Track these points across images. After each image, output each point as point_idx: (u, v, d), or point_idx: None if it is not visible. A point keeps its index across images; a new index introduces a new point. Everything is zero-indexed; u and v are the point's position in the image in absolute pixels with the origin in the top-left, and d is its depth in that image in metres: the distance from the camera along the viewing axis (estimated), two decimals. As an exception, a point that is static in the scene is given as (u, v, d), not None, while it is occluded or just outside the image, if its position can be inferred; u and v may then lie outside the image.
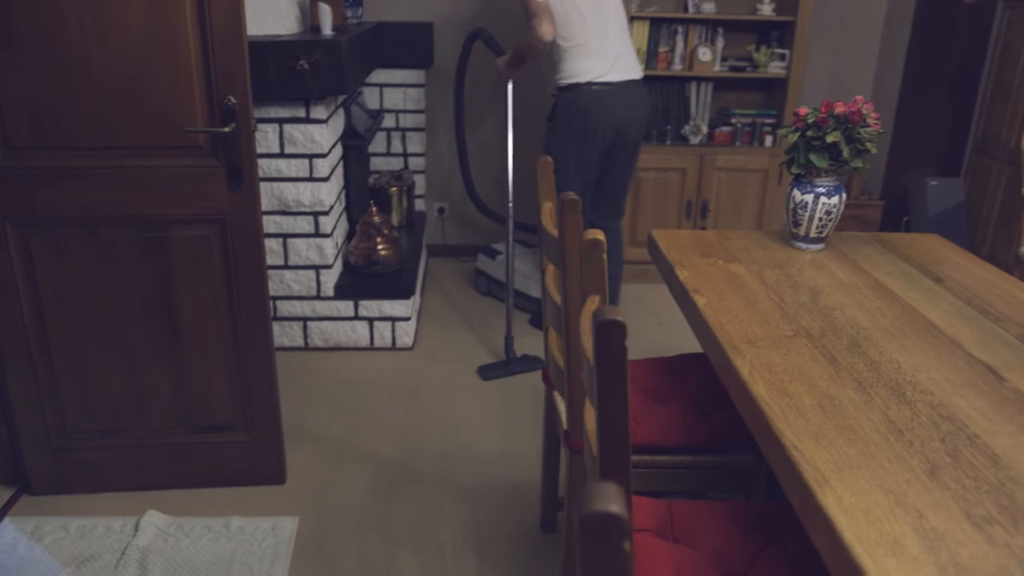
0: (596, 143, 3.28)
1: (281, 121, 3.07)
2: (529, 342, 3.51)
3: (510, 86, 3.42)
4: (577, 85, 3.22)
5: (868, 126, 2.04)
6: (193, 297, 2.27)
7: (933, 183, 4.28)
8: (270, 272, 3.27)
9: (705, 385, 2.01)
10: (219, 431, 2.44)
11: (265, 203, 3.14)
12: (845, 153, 2.03)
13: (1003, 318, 1.81)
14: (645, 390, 2.00)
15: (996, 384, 1.51)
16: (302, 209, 3.19)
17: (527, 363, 3.33)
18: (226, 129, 2.09)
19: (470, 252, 4.40)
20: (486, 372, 3.26)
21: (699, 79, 4.14)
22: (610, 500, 0.65)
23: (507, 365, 3.31)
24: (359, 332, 3.42)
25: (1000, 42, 4.22)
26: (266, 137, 3.07)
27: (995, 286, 2.01)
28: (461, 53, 3.90)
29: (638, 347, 3.46)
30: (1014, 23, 4.12)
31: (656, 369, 2.10)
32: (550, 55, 3.26)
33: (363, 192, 3.87)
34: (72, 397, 2.34)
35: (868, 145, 2.06)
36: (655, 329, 3.67)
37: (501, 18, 4.12)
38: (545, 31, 3.10)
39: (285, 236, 3.23)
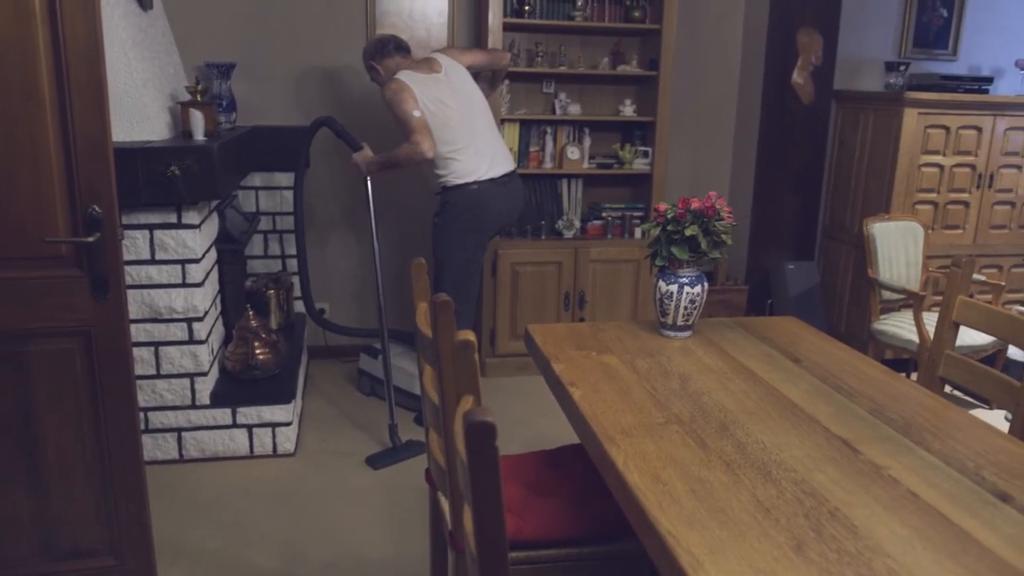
0: (485, 237, 3.40)
1: (152, 227, 3.00)
2: (415, 436, 3.48)
3: (369, 181, 3.49)
4: (464, 185, 3.34)
5: (722, 219, 2.18)
6: (55, 414, 2.15)
7: (790, 267, 4.58)
8: (141, 382, 3.13)
9: (587, 475, 2.04)
10: (84, 557, 2.27)
11: (135, 311, 3.04)
12: (703, 245, 2.16)
13: (856, 394, 1.94)
14: (528, 484, 2.01)
15: (852, 457, 1.60)
16: (175, 316, 3.10)
17: (413, 448, 3.35)
18: (90, 239, 2.03)
19: (352, 353, 4.35)
20: (375, 461, 3.24)
21: (570, 176, 4.33)
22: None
23: (394, 452, 3.32)
24: (238, 440, 3.29)
25: (837, 138, 4.63)
26: (135, 244, 2.99)
27: (848, 364, 2.16)
28: (303, 142, 3.71)
29: (523, 439, 3.48)
30: (847, 121, 4.54)
31: (539, 462, 2.12)
32: (441, 156, 3.36)
33: (240, 296, 3.79)
34: (-87, 532, 2.14)
35: (724, 237, 2.20)
36: (540, 420, 3.71)
37: (377, 124, 4.22)
38: (427, 148, 3.23)
39: (157, 344, 3.12)
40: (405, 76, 3.32)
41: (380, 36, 3.60)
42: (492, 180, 3.38)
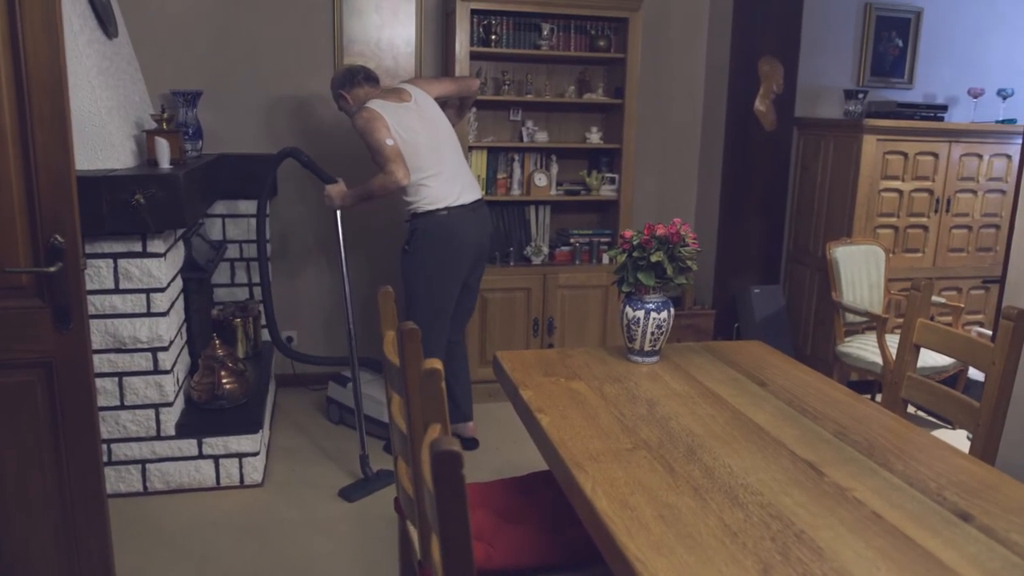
0: (460, 265, 3.41)
1: (116, 256, 2.97)
2: (386, 466, 3.45)
3: (339, 214, 3.48)
4: (434, 212, 3.34)
5: (687, 245, 2.21)
6: (13, 448, 2.10)
7: (756, 291, 4.64)
8: (104, 414, 3.08)
9: (557, 502, 2.04)
10: (42, 595, 2.22)
11: (98, 341, 2.99)
12: (669, 271, 2.19)
13: (821, 416, 1.97)
14: (498, 511, 2.00)
15: (817, 479, 1.62)
16: (139, 346, 3.06)
17: (385, 478, 3.32)
18: (52, 269, 2.00)
19: (320, 381, 4.32)
20: (348, 494, 3.20)
21: (537, 202, 4.36)
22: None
23: (367, 483, 3.28)
24: (204, 471, 3.25)
25: (799, 164, 4.72)
26: (99, 273, 2.96)
27: (812, 387, 2.19)
28: (268, 171, 3.65)
29: (493, 466, 3.47)
30: (808, 147, 4.63)
31: (509, 489, 2.12)
32: (415, 184, 3.36)
33: (206, 325, 3.75)
34: None
35: (689, 263, 2.23)
36: (510, 447, 3.70)
37: (345, 153, 4.23)
38: (403, 176, 3.23)
39: (121, 375, 3.07)
40: (376, 105, 3.32)
41: (349, 66, 3.61)
42: (462, 207, 3.39)
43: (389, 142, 3.24)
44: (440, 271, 3.39)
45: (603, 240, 4.43)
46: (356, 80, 3.47)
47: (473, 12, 3.98)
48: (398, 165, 3.22)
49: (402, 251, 3.45)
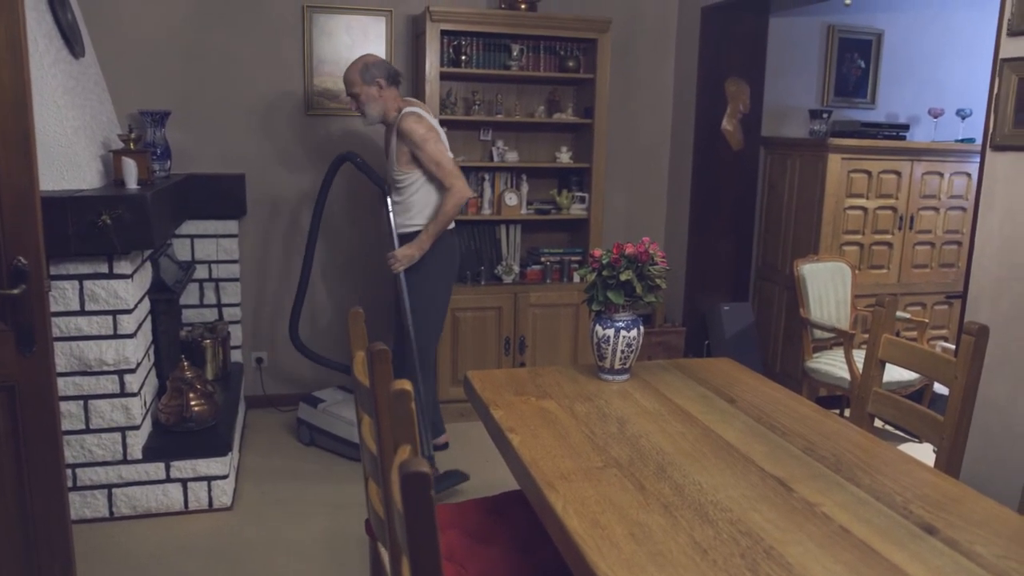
0: (452, 283, 3.55)
1: (81, 277, 2.93)
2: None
3: (401, 273, 3.41)
4: (450, 230, 3.44)
5: (656, 264, 2.23)
6: (-26, 475, 2.06)
7: (726, 308, 4.68)
8: (69, 438, 3.02)
9: (529, 522, 2.04)
10: (3, 625, 2.17)
11: (63, 364, 2.94)
12: (638, 289, 2.20)
13: (789, 432, 1.99)
14: (469, 532, 1.99)
15: (786, 495, 1.64)
16: (105, 368, 3.01)
17: (454, 477, 3.39)
18: (15, 291, 1.98)
19: (291, 402, 4.28)
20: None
21: (508, 222, 4.37)
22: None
23: (437, 483, 3.32)
24: (172, 495, 3.20)
25: (767, 183, 4.78)
26: (64, 295, 2.92)
27: (781, 403, 2.21)
28: (326, 177, 3.64)
29: (464, 486, 3.45)
30: (775, 166, 4.70)
31: (480, 510, 2.11)
32: (432, 201, 3.35)
33: (174, 346, 3.71)
34: None
35: (658, 281, 2.25)
36: (483, 467, 3.68)
37: (315, 174, 4.22)
38: (468, 189, 3.29)
39: (86, 398, 3.02)
40: (424, 112, 3.32)
41: (387, 62, 3.45)
42: (454, 225, 3.53)
43: (450, 155, 3.25)
44: (447, 287, 3.51)
45: (574, 259, 4.45)
46: (396, 79, 3.39)
47: (443, 33, 4.00)
48: (462, 179, 3.23)
49: (413, 270, 3.41)
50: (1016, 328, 2.63)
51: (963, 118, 4.70)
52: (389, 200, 3.42)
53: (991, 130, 2.70)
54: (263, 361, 4.39)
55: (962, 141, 4.60)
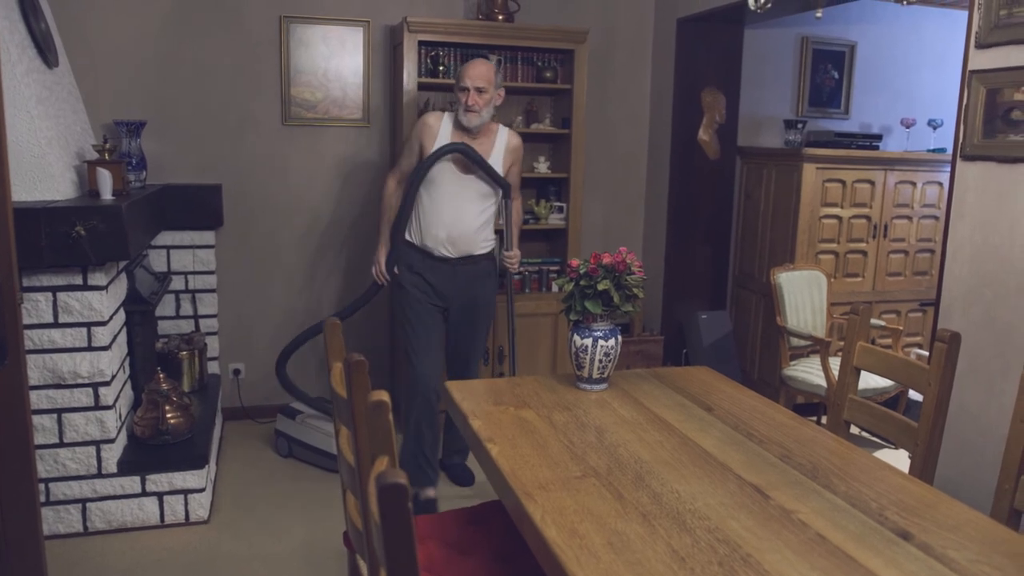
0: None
1: (55, 289, 2.90)
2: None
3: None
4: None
5: (633, 273, 2.24)
6: (-56, 490, 2.03)
7: (703, 316, 4.71)
8: (42, 452, 2.98)
9: (508, 532, 2.04)
10: (-26, 644, 2.13)
11: (36, 377, 2.91)
12: (616, 299, 2.21)
13: (766, 440, 2.00)
14: (449, 543, 1.99)
15: (763, 503, 1.65)
16: (80, 381, 2.98)
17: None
18: (-13, 304, 1.95)
19: (269, 413, 4.25)
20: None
21: (487, 231, 4.37)
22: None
23: None
24: (147, 509, 3.16)
25: (743, 192, 4.82)
26: (37, 307, 2.88)
27: (758, 411, 2.23)
28: (431, 160, 3.29)
29: (443, 496, 3.44)
30: (751, 176, 4.75)
31: (460, 520, 2.11)
32: (494, 219, 3.48)
33: (150, 358, 3.67)
34: None
35: (636, 291, 2.26)
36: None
37: (290, 180, 4.20)
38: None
39: (60, 411, 2.98)
40: None
41: None
42: None
43: None
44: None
45: (552, 268, 4.46)
46: None
47: (421, 43, 4.01)
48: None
49: (492, 289, 3.57)
50: (987, 335, 2.67)
51: (935, 128, 4.78)
52: (506, 202, 3.49)
53: (961, 141, 2.74)
54: (240, 372, 4.36)
55: (934, 151, 4.67)
